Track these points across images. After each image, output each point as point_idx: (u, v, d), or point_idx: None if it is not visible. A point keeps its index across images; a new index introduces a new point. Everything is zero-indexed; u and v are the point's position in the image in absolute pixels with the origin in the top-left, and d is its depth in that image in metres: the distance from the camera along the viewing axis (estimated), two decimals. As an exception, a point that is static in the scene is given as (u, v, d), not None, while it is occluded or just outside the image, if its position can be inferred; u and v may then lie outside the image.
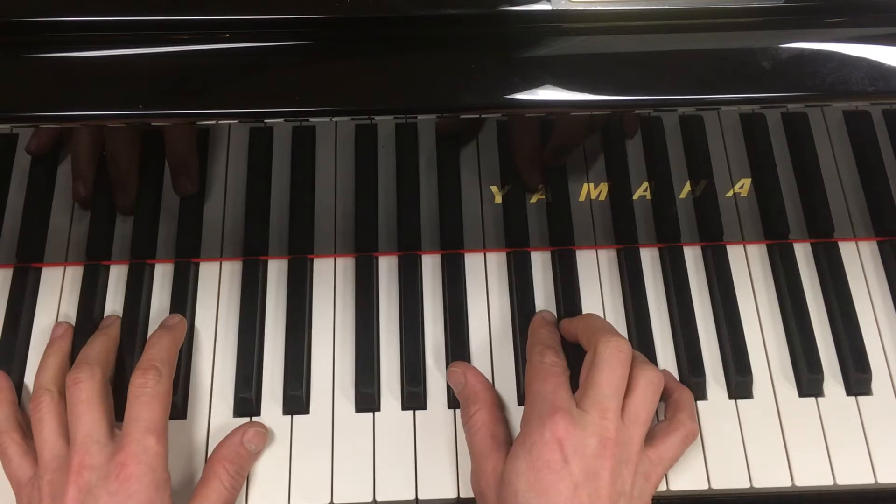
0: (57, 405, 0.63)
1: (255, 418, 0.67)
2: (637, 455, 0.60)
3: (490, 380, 0.68)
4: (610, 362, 0.61)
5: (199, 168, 0.64)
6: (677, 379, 0.69)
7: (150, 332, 0.70)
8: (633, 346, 0.64)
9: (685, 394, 0.67)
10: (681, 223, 0.72)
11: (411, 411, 0.68)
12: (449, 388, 0.68)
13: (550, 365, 0.62)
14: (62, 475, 0.59)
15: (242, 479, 0.64)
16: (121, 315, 0.70)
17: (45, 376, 0.65)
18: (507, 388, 0.68)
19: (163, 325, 0.68)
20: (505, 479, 0.58)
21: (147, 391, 0.61)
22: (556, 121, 0.61)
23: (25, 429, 0.65)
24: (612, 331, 0.64)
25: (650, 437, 0.63)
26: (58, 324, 0.69)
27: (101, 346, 0.66)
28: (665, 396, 0.66)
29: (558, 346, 0.66)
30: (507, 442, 0.63)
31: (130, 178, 0.64)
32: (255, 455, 0.65)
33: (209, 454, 0.65)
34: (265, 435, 0.65)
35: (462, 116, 0.60)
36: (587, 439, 0.58)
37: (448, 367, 0.68)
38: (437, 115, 0.60)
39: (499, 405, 0.66)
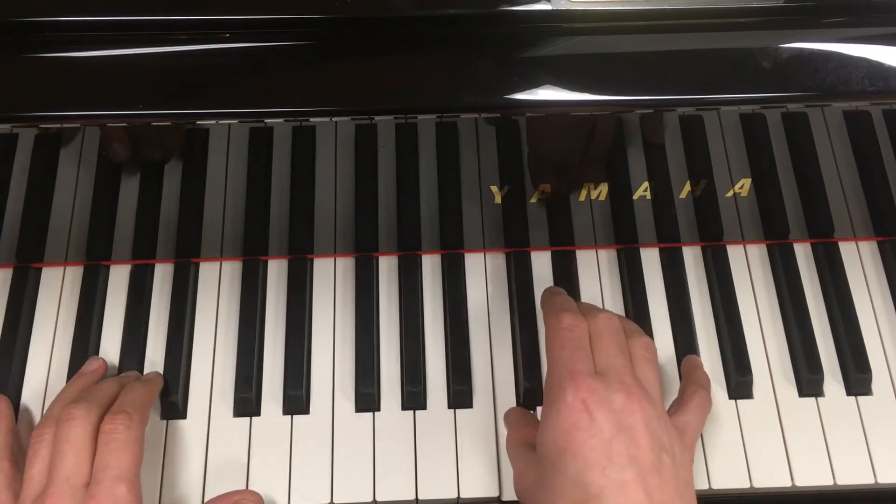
0: None
1: (255, 418, 0.67)
2: (664, 412, 0.59)
3: (490, 379, 0.69)
4: (609, 330, 0.61)
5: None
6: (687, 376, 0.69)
7: (149, 332, 0.70)
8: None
9: (702, 374, 0.67)
10: (681, 223, 0.72)
11: (411, 411, 0.68)
12: (449, 388, 0.68)
13: (568, 329, 0.61)
14: None
15: None
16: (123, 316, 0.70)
17: (60, 408, 0.62)
18: (507, 388, 0.68)
19: (139, 379, 0.68)
20: (540, 454, 0.58)
21: (117, 437, 0.59)
22: (557, 121, 0.61)
23: (18, 457, 0.63)
24: (592, 307, 0.65)
25: (669, 410, 0.63)
26: (93, 358, 0.68)
27: (110, 389, 0.64)
28: (683, 376, 0.68)
29: (574, 307, 0.65)
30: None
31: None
32: None
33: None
34: None
35: (462, 116, 0.60)
36: (611, 395, 0.57)
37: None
38: (437, 115, 0.60)
39: (522, 420, 0.66)
